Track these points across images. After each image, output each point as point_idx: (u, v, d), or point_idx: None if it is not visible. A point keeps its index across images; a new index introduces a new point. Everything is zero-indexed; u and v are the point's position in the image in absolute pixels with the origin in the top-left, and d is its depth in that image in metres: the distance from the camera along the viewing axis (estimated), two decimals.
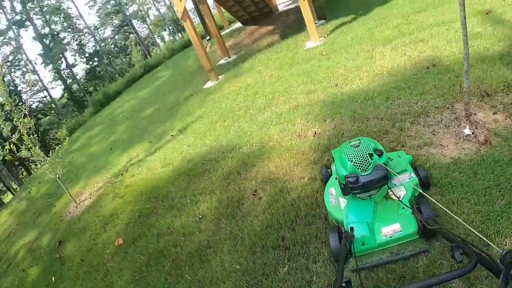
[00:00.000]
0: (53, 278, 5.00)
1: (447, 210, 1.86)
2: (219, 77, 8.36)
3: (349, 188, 2.35)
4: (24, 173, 9.59)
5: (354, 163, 2.35)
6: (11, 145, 5.15)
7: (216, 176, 4.51)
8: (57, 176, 6.01)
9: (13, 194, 21.30)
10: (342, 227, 2.49)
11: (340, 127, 3.92)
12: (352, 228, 2.38)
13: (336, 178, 2.72)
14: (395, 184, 2.55)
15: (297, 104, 4.98)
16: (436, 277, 1.29)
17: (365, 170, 2.31)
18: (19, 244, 7.23)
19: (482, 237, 1.42)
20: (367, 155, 2.36)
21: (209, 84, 8.41)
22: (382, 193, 2.54)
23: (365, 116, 3.85)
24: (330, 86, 4.87)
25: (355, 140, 2.57)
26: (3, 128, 5.34)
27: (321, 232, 2.80)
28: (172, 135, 6.78)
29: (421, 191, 2.15)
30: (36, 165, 6.57)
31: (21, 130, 5.22)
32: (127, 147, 8.12)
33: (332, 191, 2.81)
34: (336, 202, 2.70)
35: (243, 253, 3.11)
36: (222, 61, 9.53)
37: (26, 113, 5.23)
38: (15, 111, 5.14)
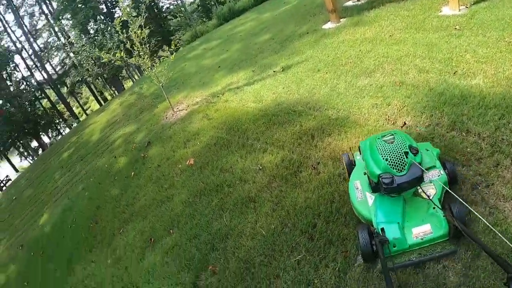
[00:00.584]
0: (132, 173, 5.84)
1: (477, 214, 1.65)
2: (341, 20, 7.71)
3: (382, 188, 2.25)
4: None
5: (389, 162, 2.24)
6: (122, 53, 5.73)
7: (292, 132, 4.47)
8: (161, 85, 6.59)
9: (133, 82, 24.11)
10: (372, 226, 2.40)
11: (433, 129, 3.37)
12: (383, 229, 2.29)
13: (365, 173, 2.61)
14: (424, 182, 2.38)
15: (403, 80, 4.41)
16: None
17: (401, 171, 2.21)
18: (119, 133, 8.43)
19: None
20: (403, 154, 2.24)
21: (328, 25, 7.86)
22: (412, 190, 2.42)
23: (467, 127, 3.20)
24: (447, 72, 4.14)
25: (388, 134, 2.43)
26: (119, 35, 5.89)
27: (349, 239, 2.66)
28: (274, 71, 6.74)
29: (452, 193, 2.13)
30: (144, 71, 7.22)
31: (135, 40, 5.73)
32: (232, 70, 8.39)
33: (358, 184, 2.68)
34: (362, 197, 2.58)
35: (275, 221, 3.18)
36: (350, 3, 8.66)
37: (142, 24, 5.68)
38: (132, 22, 5.60)
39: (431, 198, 2.31)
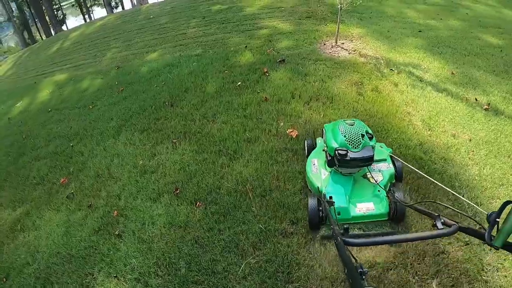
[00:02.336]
0: (239, 84, 4.72)
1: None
2: None
3: (337, 160, 2.43)
4: None
5: (347, 138, 2.43)
6: None
7: None
8: (339, 6, 4.98)
9: None
10: (321, 195, 2.58)
11: None
12: (331, 197, 2.50)
13: (324, 150, 2.78)
14: (373, 170, 2.77)
15: None
16: (428, 232, 1.54)
17: (356, 147, 2.41)
18: (271, 23, 7.33)
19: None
20: (360, 135, 2.44)
21: None
22: (362, 173, 2.75)
23: None
24: None
25: (350, 120, 2.62)
26: None
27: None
28: (476, 100, 4.58)
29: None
30: None
31: None
32: (432, 49, 6.19)
33: (315, 161, 2.92)
34: (317, 171, 2.81)
35: None
36: None
37: None
38: None
39: (378, 182, 2.62)
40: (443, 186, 2.21)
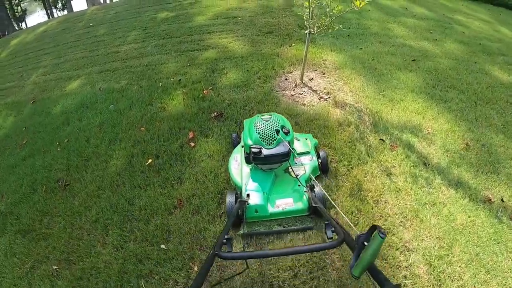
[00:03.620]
0: (151, 162, 2.88)
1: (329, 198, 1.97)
2: None
3: (251, 157, 2.34)
4: None
5: (260, 135, 2.35)
6: None
7: None
8: (307, 32, 3.30)
9: None
10: (240, 193, 2.52)
11: None
12: (248, 195, 2.42)
13: (242, 146, 2.73)
14: (296, 163, 2.71)
15: None
16: (307, 245, 1.36)
17: (269, 144, 2.33)
18: (220, 40, 5.30)
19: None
20: (274, 131, 2.36)
21: None
22: (284, 167, 2.62)
23: None
24: None
25: (267, 114, 2.54)
26: None
27: None
28: None
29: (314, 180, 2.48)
30: None
31: None
32: (434, 95, 4.55)
33: (237, 157, 2.81)
34: (239, 168, 2.71)
35: None
36: None
37: None
38: None
39: (298, 177, 2.51)
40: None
